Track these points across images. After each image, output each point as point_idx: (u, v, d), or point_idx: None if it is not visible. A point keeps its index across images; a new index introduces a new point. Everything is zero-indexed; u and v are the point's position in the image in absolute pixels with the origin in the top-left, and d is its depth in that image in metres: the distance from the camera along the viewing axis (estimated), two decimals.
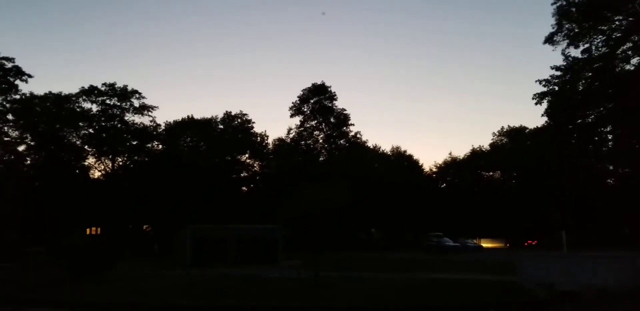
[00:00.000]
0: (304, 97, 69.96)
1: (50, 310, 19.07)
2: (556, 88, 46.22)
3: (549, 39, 45.29)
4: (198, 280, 23.79)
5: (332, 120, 70.18)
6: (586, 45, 44.07)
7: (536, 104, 46.88)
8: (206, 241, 35.63)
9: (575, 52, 44.71)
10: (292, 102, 70.54)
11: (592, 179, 54.80)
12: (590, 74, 44.78)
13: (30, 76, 55.30)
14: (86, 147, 65.64)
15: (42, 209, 54.43)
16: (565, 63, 45.22)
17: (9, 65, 54.19)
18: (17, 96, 56.62)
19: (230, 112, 72.74)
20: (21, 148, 61.74)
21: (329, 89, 69.80)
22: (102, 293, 20.44)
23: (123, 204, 58.84)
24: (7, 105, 56.09)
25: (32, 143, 62.20)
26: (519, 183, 77.79)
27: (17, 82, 55.12)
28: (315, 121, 70.39)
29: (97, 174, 66.87)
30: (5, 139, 57.35)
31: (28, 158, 63.38)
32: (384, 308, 16.66)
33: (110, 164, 66.05)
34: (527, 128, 79.16)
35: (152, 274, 28.26)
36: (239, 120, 72.66)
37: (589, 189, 54.80)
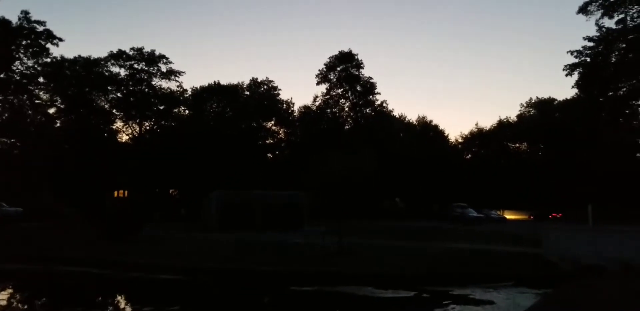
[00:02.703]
0: (331, 65, 69.34)
1: (81, 268, 19.71)
2: (588, 59, 45.50)
3: (583, 9, 44.38)
4: (223, 244, 24.25)
5: (358, 88, 69.58)
6: (621, 16, 43.26)
7: (567, 75, 46.36)
8: (233, 206, 36.23)
9: (610, 23, 43.93)
10: (319, 70, 70.15)
11: (621, 153, 54.08)
12: (624, 45, 43.87)
13: (61, 40, 55.54)
14: (114, 111, 66.36)
15: (71, 172, 55.40)
16: (598, 34, 44.46)
17: (41, 28, 54.36)
18: (48, 60, 56.99)
19: (257, 78, 72.91)
20: (51, 111, 62.65)
21: (356, 57, 69.10)
22: (132, 254, 21.00)
23: (150, 168, 59.70)
24: (39, 68, 56.48)
25: (62, 106, 63.03)
26: (545, 155, 76.93)
27: (48, 45, 55.39)
28: (342, 89, 69.87)
29: (124, 138, 67.89)
30: (37, 101, 57.93)
31: (58, 121, 64.26)
32: (405, 275, 16.89)
33: (138, 129, 66.75)
34: (556, 100, 78.05)
35: (180, 237, 28.94)
36: (265, 87, 72.64)
37: (618, 163, 54.17)
